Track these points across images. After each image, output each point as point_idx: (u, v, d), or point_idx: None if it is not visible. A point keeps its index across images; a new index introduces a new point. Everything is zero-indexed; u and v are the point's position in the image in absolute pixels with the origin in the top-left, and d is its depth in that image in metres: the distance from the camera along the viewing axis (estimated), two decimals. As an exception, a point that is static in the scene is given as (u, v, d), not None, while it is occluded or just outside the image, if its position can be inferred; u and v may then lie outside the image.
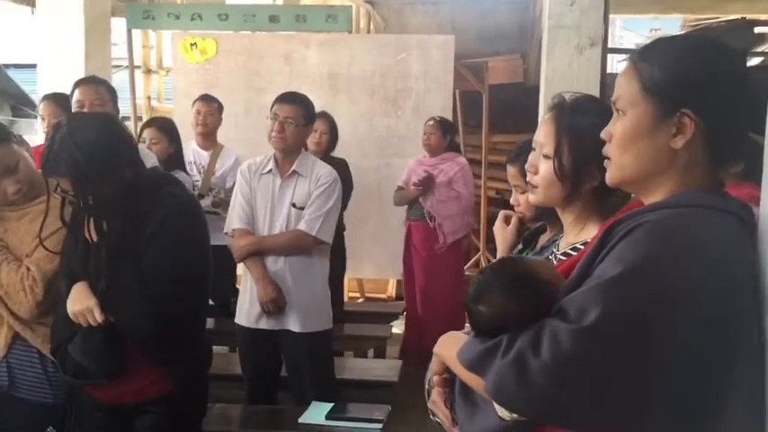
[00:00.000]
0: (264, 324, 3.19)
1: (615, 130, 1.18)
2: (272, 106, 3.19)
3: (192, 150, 4.46)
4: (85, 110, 2.98)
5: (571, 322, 1.04)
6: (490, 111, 6.86)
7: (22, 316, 2.07)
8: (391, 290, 6.58)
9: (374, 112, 5.57)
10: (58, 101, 3.37)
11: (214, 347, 4.52)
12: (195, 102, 4.59)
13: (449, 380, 1.28)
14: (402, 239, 5.17)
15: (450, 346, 1.22)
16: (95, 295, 1.93)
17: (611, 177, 1.20)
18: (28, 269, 2.06)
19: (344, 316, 4.70)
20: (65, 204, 1.96)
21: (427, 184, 4.85)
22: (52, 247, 2.04)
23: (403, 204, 5.11)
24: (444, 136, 4.97)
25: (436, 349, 1.29)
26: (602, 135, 1.19)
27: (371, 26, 7.24)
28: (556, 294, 1.13)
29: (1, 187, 2.10)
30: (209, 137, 4.49)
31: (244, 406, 3.29)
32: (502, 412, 1.13)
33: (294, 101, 3.20)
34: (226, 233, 3.35)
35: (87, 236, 1.97)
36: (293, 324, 3.18)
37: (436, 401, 1.30)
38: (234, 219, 3.23)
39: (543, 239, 1.72)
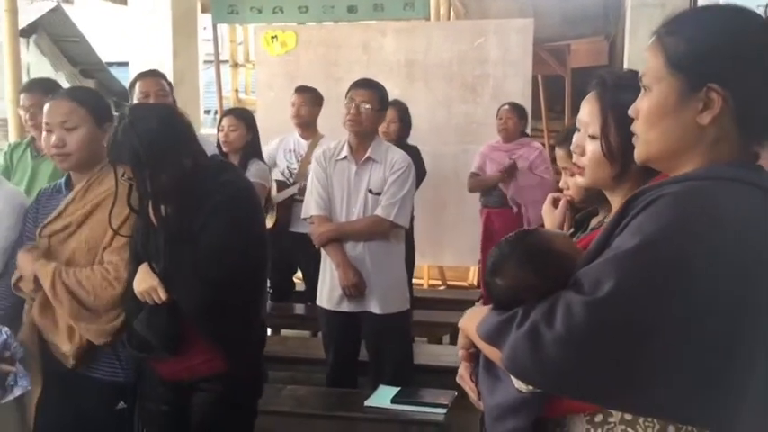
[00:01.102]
0: (346, 306, 3.27)
1: (641, 107, 1.15)
2: (348, 92, 3.26)
3: (294, 139, 4.54)
4: (150, 101, 3.11)
5: (585, 294, 1.03)
6: (573, 95, 6.70)
7: (105, 308, 2.18)
8: (472, 277, 6.55)
9: (452, 99, 5.54)
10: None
11: (297, 332, 4.73)
12: (293, 94, 4.66)
13: (475, 354, 1.28)
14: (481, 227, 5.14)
15: (473, 320, 1.22)
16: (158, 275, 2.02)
17: (638, 155, 1.17)
18: (106, 264, 2.17)
19: (419, 302, 4.74)
20: (131, 191, 2.06)
21: (511, 171, 4.79)
22: (125, 233, 2.15)
23: (478, 191, 5.07)
24: (520, 120, 4.90)
25: (461, 323, 1.29)
26: (630, 112, 1.16)
27: (451, 13, 7.19)
28: (573, 267, 1.12)
29: (50, 136, 2.22)
30: (307, 127, 4.50)
31: (312, 388, 3.37)
32: (519, 384, 1.14)
33: (369, 86, 3.27)
34: (304, 219, 3.43)
35: (149, 220, 2.06)
36: (374, 306, 3.25)
37: (462, 375, 1.31)
38: (311, 205, 3.31)
39: (594, 222, 1.68)
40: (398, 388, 3.01)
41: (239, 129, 4.14)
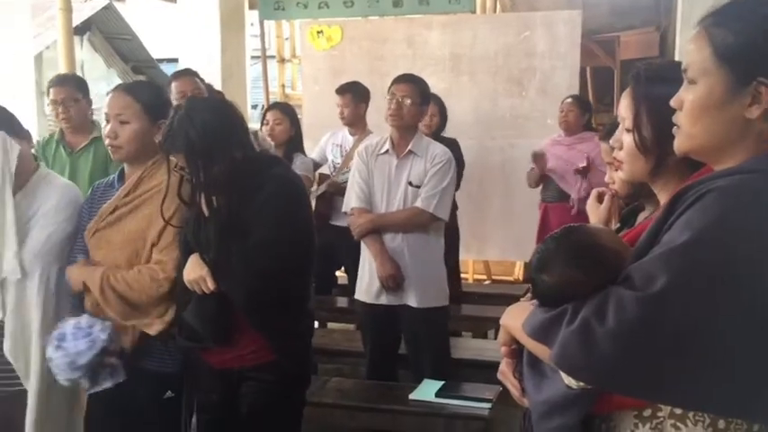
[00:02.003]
0: (384, 299, 3.28)
1: (685, 99, 1.13)
2: (390, 87, 3.29)
3: (342, 134, 4.57)
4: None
5: (637, 289, 1.03)
6: (622, 88, 6.58)
7: (155, 305, 2.23)
8: (518, 272, 6.50)
9: (497, 93, 5.49)
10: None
11: (343, 325, 4.76)
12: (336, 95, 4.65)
13: (517, 350, 1.27)
14: (528, 221, 5.09)
15: (516, 317, 1.22)
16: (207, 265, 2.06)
17: (679, 146, 1.15)
18: (154, 264, 2.22)
19: (465, 297, 4.73)
20: (182, 182, 2.10)
21: (586, 171, 4.70)
22: (177, 224, 2.21)
23: (532, 185, 5.01)
24: (582, 114, 4.81)
25: (502, 320, 1.29)
26: (672, 103, 1.14)
27: (497, 5, 7.13)
28: (621, 263, 1.11)
29: (107, 126, 2.29)
30: (354, 125, 4.51)
31: (358, 381, 3.39)
32: (569, 381, 1.13)
33: (410, 80, 3.30)
34: (345, 212, 3.46)
35: (200, 210, 2.10)
36: (412, 299, 3.25)
37: (504, 372, 1.30)
38: (352, 198, 3.34)
39: (641, 218, 1.66)
40: (442, 382, 3.01)
41: (283, 123, 4.19)
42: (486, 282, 6.31)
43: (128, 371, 2.26)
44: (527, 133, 5.34)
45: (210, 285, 2.04)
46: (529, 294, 1.34)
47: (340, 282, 4.92)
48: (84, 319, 2.23)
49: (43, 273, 2.36)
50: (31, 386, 2.37)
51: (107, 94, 2.39)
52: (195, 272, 2.07)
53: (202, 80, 3.44)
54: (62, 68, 5.10)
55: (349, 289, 4.56)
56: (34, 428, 2.35)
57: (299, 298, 2.21)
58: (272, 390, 2.15)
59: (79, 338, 2.19)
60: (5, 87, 5.26)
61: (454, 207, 4.56)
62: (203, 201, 2.08)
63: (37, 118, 5.85)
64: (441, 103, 4.60)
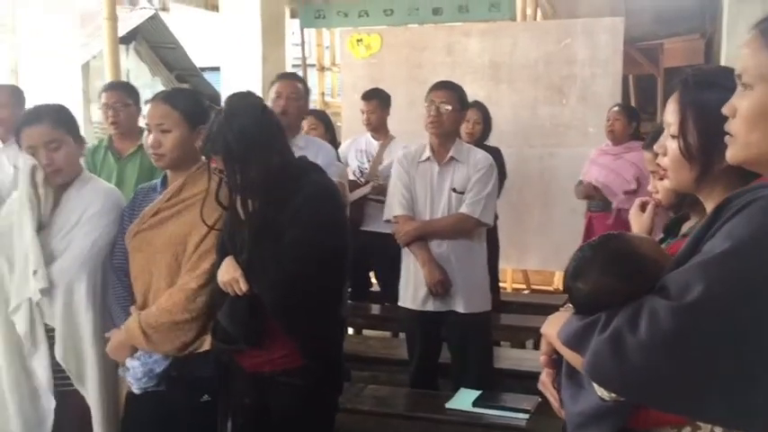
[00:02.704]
0: (431, 306, 3.28)
1: (740, 106, 1.08)
2: (428, 94, 3.28)
3: (365, 140, 4.62)
4: (281, 102, 3.23)
5: (672, 299, 1.00)
6: (665, 96, 6.48)
7: (195, 316, 2.26)
8: (558, 282, 6.43)
9: (537, 101, 5.45)
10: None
11: (379, 332, 4.76)
12: (361, 100, 4.73)
13: (557, 360, 1.25)
14: (567, 230, 5.03)
15: (556, 325, 1.20)
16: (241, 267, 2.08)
17: (733, 155, 1.11)
18: (187, 281, 2.25)
19: (503, 306, 4.69)
20: (221, 186, 2.13)
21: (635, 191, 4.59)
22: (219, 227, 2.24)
23: (581, 198, 4.95)
24: (630, 122, 4.73)
25: (543, 329, 1.27)
26: (724, 110, 1.10)
27: (538, 13, 7.08)
28: (660, 272, 1.08)
29: (149, 136, 2.34)
30: (378, 130, 4.59)
31: (394, 388, 3.38)
32: (601, 392, 1.10)
33: (448, 87, 3.30)
34: (387, 220, 3.46)
35: (236, 213, 2.12)
36: (458, 305, 3.25)
37: (544, 381, 1.28)
38: (395, 206, 3.34)
39: (686, 228, 1.63)
40: (480, 391, 2.99)
41: (318, 129, 4.25)
42: (525, 291, 6.25)
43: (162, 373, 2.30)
44: (567, 142, 5.29)
45: (243, 287, 2.06)
46: (568, 304, 1.32)
47: (373, 288, 4.92)
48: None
49: (90, 277, 2.42)
50: (91, 389, 2.42)
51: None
52: (229, 273, 2.09)
53: (306, 86, 3.47)
54: (108, 77, 5.22)
55: (382, 295, 4.57)
56: (102, 428, 2.41)
57: (330, 303, 2.21)
58: (302, 394, 2.15)
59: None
60: (55, 95, 5.39)
61: (495, 216, 4.55)
62: (239, 204, 2.10)
63: (83, 125, 5.98)
64: (485, 110, 4.59)
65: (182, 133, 2.32)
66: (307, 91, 3.43)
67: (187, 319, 2.24)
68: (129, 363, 2.29)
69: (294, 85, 3.34)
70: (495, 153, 4.35)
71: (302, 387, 2.14)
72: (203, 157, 2.22)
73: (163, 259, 2.30)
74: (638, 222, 1.70)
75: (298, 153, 3.24)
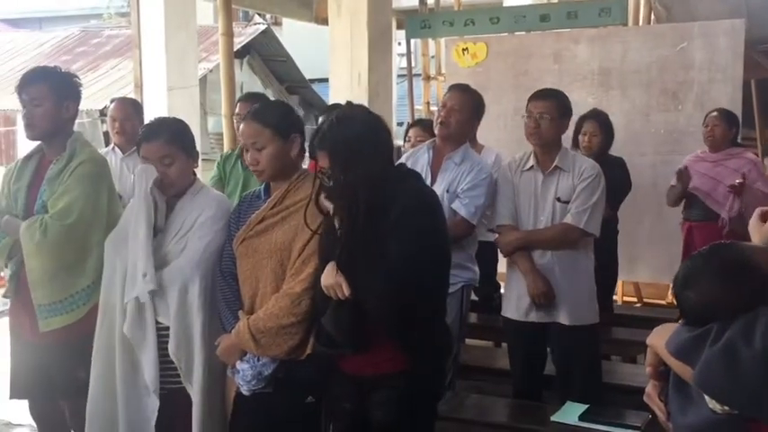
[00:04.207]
0: (534, 317, 3.23)
1: None
2: (527, 105, 3.25)
3: None
4: (443, 112, 3.36)
5: None
6: (792, 100, 6.10)
7: (301, 320, 2.32)
8: (672, 295, 6.16)
9: (650, 107, 5.27)
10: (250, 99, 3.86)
11: (479, 342, 4.72)
12: None
13: (664, 372, 1.21)
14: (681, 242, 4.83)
15: (663, 336, 1.16)
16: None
17: None
18: (291, 285, 2.32)
19: (615, 319, 4.54)
20: (321, 191, 2.18)
21: (741, 189, 4.41)
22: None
23: (673, 203, 4.76)
24: (730, 128, 4.53)
25: (649, 340, 1.23)
26: None
27: (652, 16, 6.84)
28: None
29: (247, 154, 2.44)
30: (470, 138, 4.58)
31: (497, 398, 3.34)
32: (713, 405, 1.06)
33: (546, 96, 3.25)
34: (490, 230, 3.43)
35: (337, 219, 2.16)
36: (563, 317, 3.19)
37: (650, 394, 1.24)
38: (499, 216, 3.31)
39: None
40: (587, 405, 2.91)
41: (426, 139, 4.24)
42: (637, 304, 6.03)
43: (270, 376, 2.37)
44: (682, 149, 5.07)
45: (346, 291, 2.09)
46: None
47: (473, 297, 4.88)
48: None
49: (202, 280, 2.53)
50: (195, 385, 2.53)
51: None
52: (331, 278, 2.12)
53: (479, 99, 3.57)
54: (223, 91, 5.46)
55: (480, 306, 4.52)
56: (200, 426, 2.51)
57: (434, 309, 2.21)
58: (403, 399, 2.15)
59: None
60: (174, 108, 5.69)
61: (615, 231, 4.43)
62: (340, 208, 2.14)
63: (200, 137, 6.28)
64: (603, 120, 4.44)
65: (275, 147, 2.40)
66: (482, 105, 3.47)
67: (293, 323, 2.30)
68: (239, 365, 2.38)
69: (462, 96, 3.39)
70: (618, 164, 4.23)
71: (403, 392, 2.15)
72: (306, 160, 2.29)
73: (268, 265, 2.38)
74: (758, 233, 1.61)
75: (453, 168, 3.32)
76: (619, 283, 5.86)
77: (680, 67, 5.17)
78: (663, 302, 6.16)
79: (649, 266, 5.45)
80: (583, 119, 4.39)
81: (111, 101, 4.38)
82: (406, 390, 2.15)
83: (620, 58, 5.33)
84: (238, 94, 5.64)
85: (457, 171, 3.32)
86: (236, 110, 3.89)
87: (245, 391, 2.39)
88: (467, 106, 3.36)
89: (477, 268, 3.49)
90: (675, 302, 1.20)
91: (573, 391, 3.15)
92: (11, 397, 3.03)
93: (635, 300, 6.12)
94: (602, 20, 5.44)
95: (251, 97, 3.98)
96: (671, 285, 4.42)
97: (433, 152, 3.43)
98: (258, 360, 2.35)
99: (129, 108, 4.17)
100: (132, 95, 5.84)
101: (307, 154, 2.57)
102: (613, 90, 5.35)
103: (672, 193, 4.73)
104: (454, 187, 3.28)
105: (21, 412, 3.71)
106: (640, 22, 6.56)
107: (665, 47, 5.21)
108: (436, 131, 3.39)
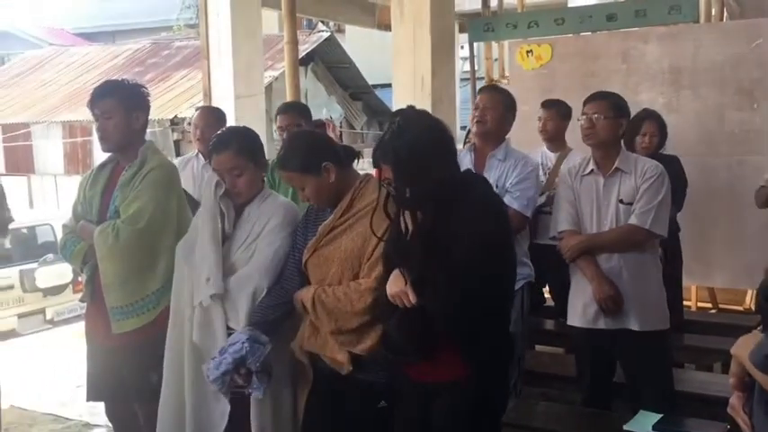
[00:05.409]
0: (602, 323, 3.14)
1: None
2: (582, 109, 3.20)
3: (542, 152, 4.53)
4: (477, 112, 3.43)
5: None
6: None
7: (360, 315, 2.34)
8: (750, 301, 5.93)
9: (724, 106, 5.07)
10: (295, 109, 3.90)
11: (550, 348, 4.64)
12: (540, 108, 4.65)
13: (749, 383, 1.15)
14: (761, 245, 4.64)
15: (746, 347, 1.10)
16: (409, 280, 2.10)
17: None
18: (360, 280, 2.36)
19: (687, 325, 4.40)
20: (389, 198, 2.18)
21: None
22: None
23: (762, 204, 4.57)
24: None
25: (734, 350, 1.18)
26: None
27: (724, 13, 6.61)
28: None
29: (302, 195, 2.51)
30: (554, 140, 4.50)
31: (567, 406, 3.28)
32: (801, 421, 1.00)
33: (599, 97, 3.20)
34: (552, 237, 3.37)
35: (403, 226, 2.16)
36: (632, 322, 3.09)
37: (734, 405, 1.18)
38: (560, 221, 3.25)
39: None
40: (661, 415, 2.82)
41: None
42: (712, 310, 5.82)
43: (341, 380, 2.37)
44: (759, 149, 4.88)
45: (411, 299, 2.08)
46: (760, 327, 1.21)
47: (546, 303, 4.80)
48: (231, 338, 2.44)
49: (271, 285, 2.56)
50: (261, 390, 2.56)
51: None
52: (397, 285, 2.12)
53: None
54: (288, 98, 5.54)
55: (555, 311, 4.45)
56: (261, 428, 2.54)
57: (499, 318, 2.18)
58: (466, 407, 2.13)
59: (227, 352, 2.42)
60: (241, 116, 5.80)
61: (677, 229, 4.30)
62: (406, 216, 2.13)
63: (266, 143, 6.38)
64: (660, 121, 4.36)
65: (314, 183, 2.45)
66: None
67: (347, 311, 2.33)
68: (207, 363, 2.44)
69: (493, 97, 3.47)
70: (672, 161, 4.11)
71: (467, 399, 2.13)
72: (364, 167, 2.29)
73: (338, 272, 2.41)
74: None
75: (498, 165, 3.34)
76: (693, 289, 5.68)
77: (755, 64, 4.96)
78: (740, 308, 5.94)
79: (725, 271, 5.24)
80: (640, 120, 4.28)
81: (196, 109, 4.55)
82: (468, 398, 2.13)
83: (691, 56, 5.16)
84: (303, 101, 5.71)
85: (502, 167, 3.35)
86: (277, 122, 3.90)
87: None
88: (499, 103, 3.44)
89: (531, 264, 3.50)
90: (755, 310, 1.14)
91: (645, 399, 3.05)
92: (88, 399, 3.14)
93: (710, 306, 5.92)
94: (672, 17, 5.27)
95: (289, 108, 4.02)
96: (753, 292, 4.27)
97: (475, 153, 3.48)
98: (213, 363, 2.40)
99: (212, 116, 4.32)
100: (201, 104, 5.98)
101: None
102: (684, 89, 5.18)
103: (761, 194, 4.53)
104: (502, 183, 3.31)
105: (98, 414, 3.84)
106: (712, 19, 6.36)
107: (739, 44, 5.01)
108: (473, 132, 3.45)
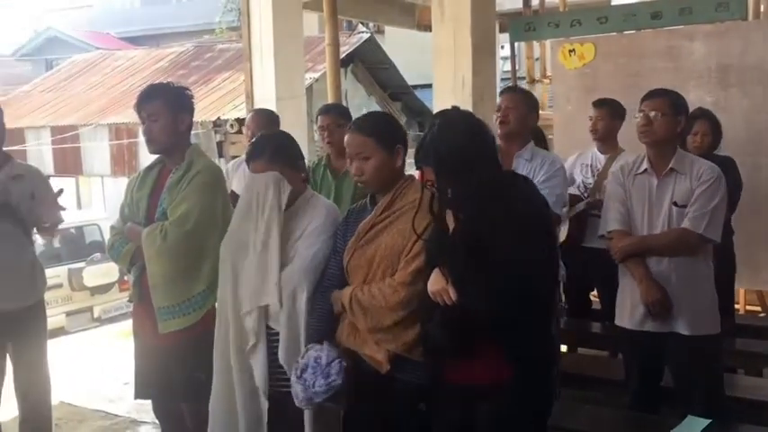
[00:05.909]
0: (650, 326, 3.09)
1: None
2: (639, 105, 3.14)
3: (592, 154, 4.46)
4: (500, 113, 3.43)
5: None
6: None
7: (394, 310, 2.34)
8: (803, 307, 5.78)
9: (773, 105, 4.96)
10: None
11: (596, 351, 4.58)
12: (591, 107, 4.56)
13: None
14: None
15: None
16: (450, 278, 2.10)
17: None
18: (395, 276, 2.36)
19: (738, 329, 4.31)
20: (434, 198, 2.18)
21: None
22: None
23: None
24: None
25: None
26: None
27: (774, 9, 6.45)
28: None
29: (352, 164, 2.49)
30: (604, 141, 4.39)
31: (612, 410, 3.23)
32: None
33: (657, 94, 3.13)
34: (601, 236, 3.33)
35: (444, 224, 2.16)
36: (681, 327, 3.04)
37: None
38: (610, 221, 3.20)
39: None
40: (709, 420, 2.77)
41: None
42: (762, 314, 5.69)
43: (382, 382, 2.38)
44: (811, 149, 4.76)
45: (453, 296, 2.08)
46: None
47: (594, 306, 4.74)
48: (325, 354, 2.42)
49: (310, 287, 2.59)
50: None
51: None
52: (438, 283, 2.12)
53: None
54: (329, 99, 5.57)
55: (602, 313, 4.39)
56: (312, 427, 2.57)
57: (540, 319, 2.17)
58: (508, 409, 2.12)
59: (318, 376, 2.39)
60: (283, 118, 5.84)
61: (730, 232, 4.20)
62: (449, 216, 2.13)
63: (307, 144, 6.43)
64: (714, 120, 4.25)
65: (380, 158, 2.44)
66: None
67: (382, 306, 2.34)
68: (293, 379, 2.43)
69: (517, 99, 3.48)
70: (727, 163, 4.02)
71: (509, 402, 2.12)
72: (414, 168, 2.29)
73: (379, 270, 2.41)
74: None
75: (524, 165, 3.32)
76: (741, 292, 5.56)
77: (805, 61, 4.85)
78: (790, 312, 5.79)
79: (775, 274, 5.13)
80: (693, 119, 4.19)
81: (249, 112, 4.62)
82: (510, 401, 2.12)
83: (739, 54, 5.05)
84: (343, 103, 5.75)
85: (529, 167, 3.32)
86: (319, 122, 3.91)
87: (297, 403, 2.46)
88: (521, 103, 3.46)
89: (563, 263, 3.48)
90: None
91: (694, 404, 2.99)
92: (135, 397, 3.21)
93: (759, 309, 5.78)
94: (719, 14, 5.16)
95: (331, 109, 4.03)
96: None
97: (501, 155, 3.39)
98: (311, 384, 2.39)
99: (264, 119, 4.40)
100: (244, 107, 6.05)
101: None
102: (732, 88, 5.08)
103: None
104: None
105: (146, 411, 3.92)
106: (761, 16, 6.21)
107: (789, 41, 4.90)
108: (498, 134, 3.39)
